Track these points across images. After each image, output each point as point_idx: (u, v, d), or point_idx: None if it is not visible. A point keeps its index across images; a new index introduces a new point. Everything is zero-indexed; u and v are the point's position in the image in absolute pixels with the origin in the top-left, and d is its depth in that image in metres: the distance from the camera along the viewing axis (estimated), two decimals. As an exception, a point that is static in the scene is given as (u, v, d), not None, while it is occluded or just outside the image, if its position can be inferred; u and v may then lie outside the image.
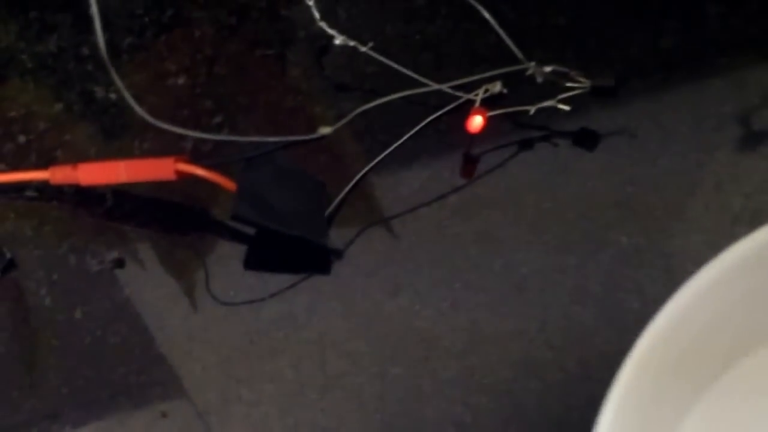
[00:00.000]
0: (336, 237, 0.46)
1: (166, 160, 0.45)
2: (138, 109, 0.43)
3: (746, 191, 0.47)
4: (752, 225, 0.44)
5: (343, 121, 0.47)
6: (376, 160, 0.48)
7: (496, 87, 0.48)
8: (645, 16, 0.54)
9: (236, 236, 0.46)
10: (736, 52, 0.52)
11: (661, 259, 0.45)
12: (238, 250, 0.46)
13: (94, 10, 0.36)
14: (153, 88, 0.50)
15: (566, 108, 0.47)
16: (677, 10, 0.54)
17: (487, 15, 0.45)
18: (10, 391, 0.42)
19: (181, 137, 0.48)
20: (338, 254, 0.46)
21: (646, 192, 0.47)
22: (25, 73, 0.50)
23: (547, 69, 0.47)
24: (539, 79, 0.47)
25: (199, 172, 0.45)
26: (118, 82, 0.40)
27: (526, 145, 0.49)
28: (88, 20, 0.50)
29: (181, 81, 0.51)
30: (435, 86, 0.48)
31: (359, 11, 0.53)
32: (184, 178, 0.45)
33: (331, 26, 0.49)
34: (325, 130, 0.46)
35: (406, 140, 0.48)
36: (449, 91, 0.48)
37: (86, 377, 0.43)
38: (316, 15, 0.46)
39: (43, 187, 0.47)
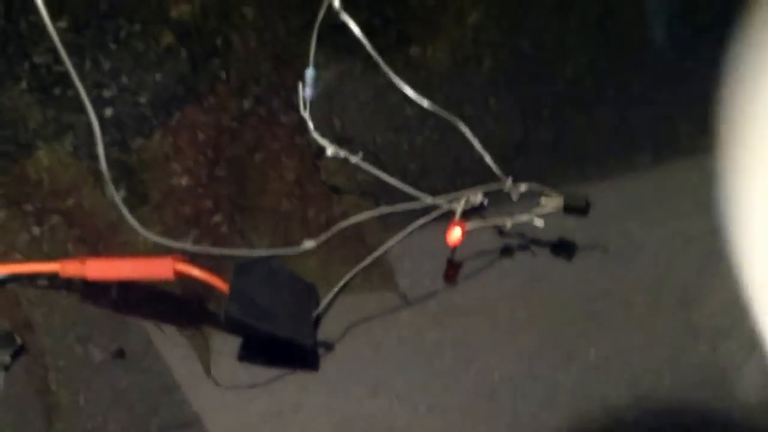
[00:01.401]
0: (323, 335, 0.49)
1: (165, 260, 0.48)
2: (131, 219, 0.46)
3: (709, 311, 0.49)
4: (713, 343, 0.46)
5: (326, 235, 0.50)
6: (362, 266, 0.50)
7: (477, 198, 0.51)
8: (621, 132, 0.57)
9: (231, 327, 0.48)
10: (705, 172, 0.55)
11: (626, 371, 0.47)
12: (232, 343, 0.49)
13: (96, 128, 0.39)
14: (158, 186, 0.53)
15: (541, 224, 0.50)
16: (652, 128, 0.57)
17: (468, 134, 0.48)
18: (13, 475, 0.45)
19: (184, 233, 0.52)
20: (326, 350, 0.48)
21: (614, 306, 0.50)
22: (41, 169, 0.54)
23: (523, 188, 0.49)
24: (514, 198, 0.50)
25: (195, 273, 0.48)
26: (114, 194, 0.43)
27: (504, 254, 0.51)
28: (102, 122, 0.54)
29: (184, 181, 0.54)
30: (421, 198, 0.51)
31: (352, 120, 0.56)
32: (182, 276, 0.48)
33: (327, 132, 0.52)
34: (308, 244, 0.49)
35: (391, 247, 0.51)
36: (433, 201, 0.51)
37: (86, 463, 0.46)
38: (310, 125, 0.49)
39: (53, 276, 0.50)
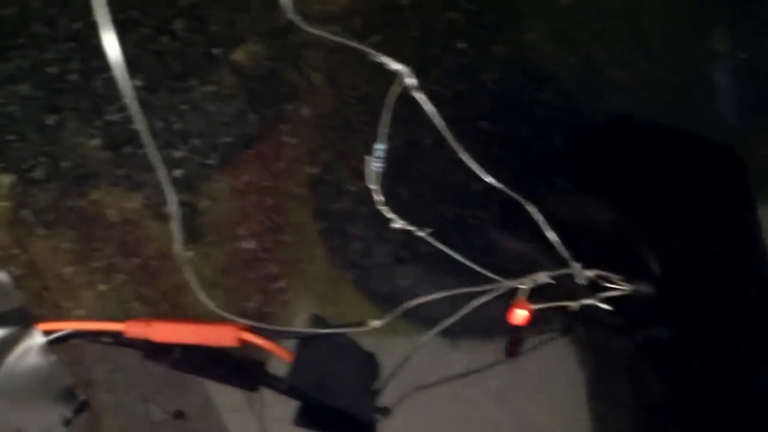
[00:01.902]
0: (382, 404, 0.49)
1: (230, 328, 0.49)
2: (204, 298, 0.46)
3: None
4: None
5: (392, 315, 0.50)
6: (425, 339, 0.50)
7: (543, 278, 0.50)
8: (691, 214, 0.56)
9: (290, 393, 0.49)
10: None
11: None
12: (289, 407, 0.49)
13: (173, 207, 0.39)
14: (224, 249, 0.54)
15: (608, 308, 0.50)
16: (722, 213, 0.57)
17: (535, 213, 0.48)
18: None
19: (247, 297, 0.53)
20: (383, 420, 0.48)
21: (678, 393, 0.49)
22: (109, 227, 0.55)
23: (590, 273, 0.49)
24: (582, 282, 0.50)
25: (260, 342, 0.49)
26: (184, 261, 0.44)
27: (570, 334, 0.51)
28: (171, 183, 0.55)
29: (249, 245, 0.54)
30: (487, 276, 0.51)
31: (420, 191, 0.56)
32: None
33: (393, 202, 0.52)
34: (375, 324, 0.49)
35: (454, 321, 0.50)
36: (499, 279, 0.51)
37: None
38: (376, 198, 0.49)
39: (117, 334, 0.50)
